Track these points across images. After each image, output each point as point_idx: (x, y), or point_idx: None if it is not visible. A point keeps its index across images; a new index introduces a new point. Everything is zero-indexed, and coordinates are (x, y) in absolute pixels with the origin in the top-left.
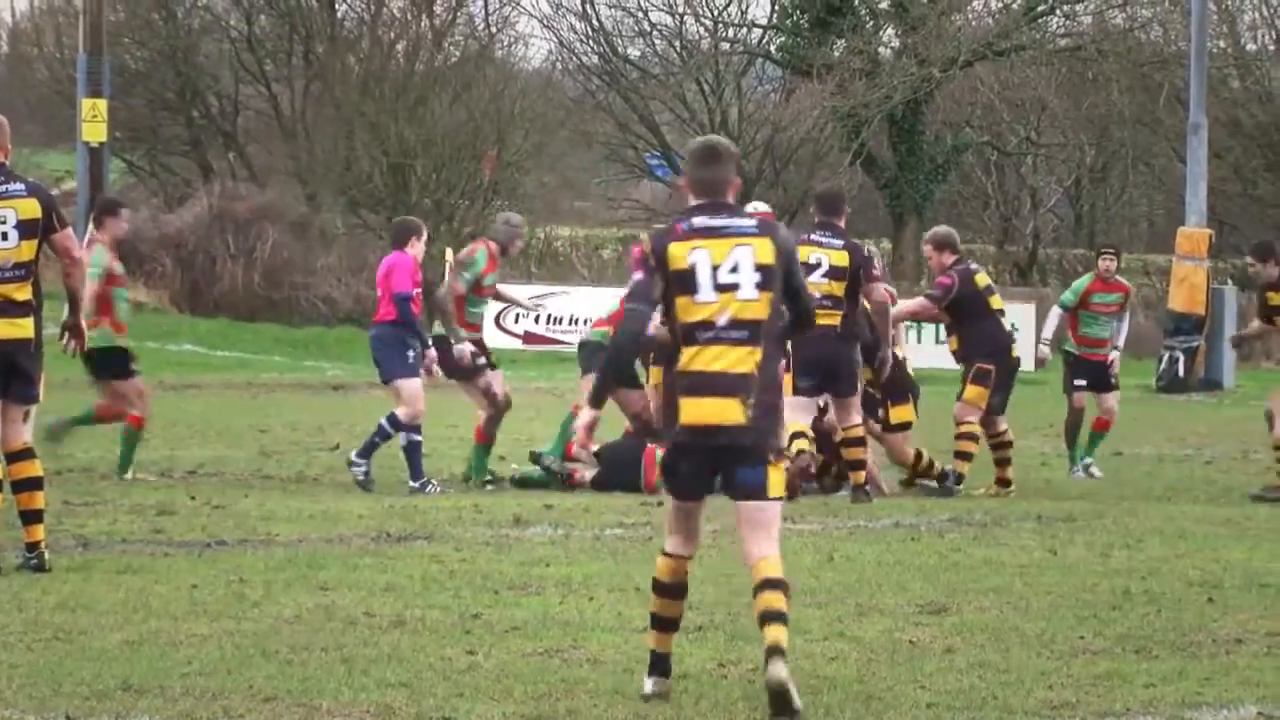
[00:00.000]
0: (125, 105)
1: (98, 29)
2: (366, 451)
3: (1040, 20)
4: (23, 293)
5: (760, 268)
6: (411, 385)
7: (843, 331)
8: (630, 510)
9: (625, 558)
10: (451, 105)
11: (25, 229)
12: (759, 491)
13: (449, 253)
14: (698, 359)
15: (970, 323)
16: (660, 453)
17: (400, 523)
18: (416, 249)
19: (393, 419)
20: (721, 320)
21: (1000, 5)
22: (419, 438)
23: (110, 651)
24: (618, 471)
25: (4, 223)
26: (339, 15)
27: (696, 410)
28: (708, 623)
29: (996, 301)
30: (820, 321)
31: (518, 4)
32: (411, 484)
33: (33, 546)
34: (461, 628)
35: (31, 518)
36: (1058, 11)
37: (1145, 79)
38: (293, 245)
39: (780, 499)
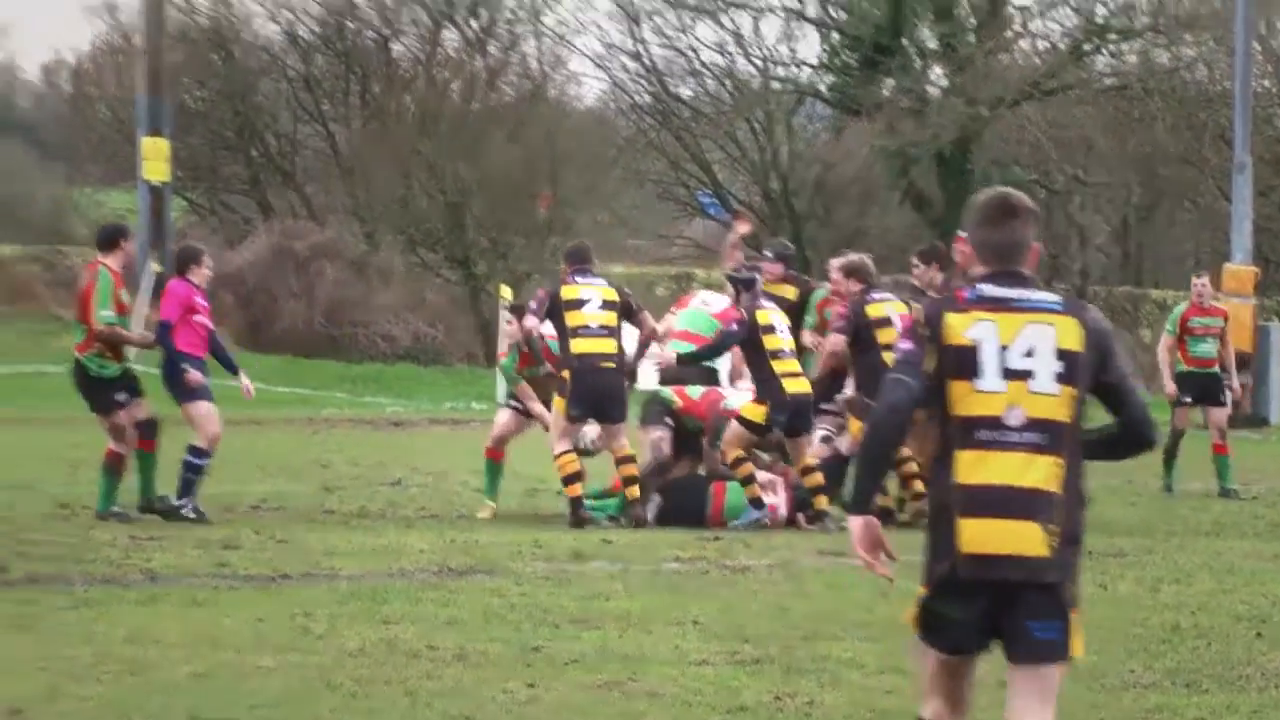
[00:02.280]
0: (185, 144)
1: (158, 70)
2: (185, 490)
3: (1086, 60)
4: None
5: (1063, 354)
6: (199, 408)
7: (616, 359)
8: (687, 545)
9: (683, 592)
10: (506, 144)
11: None
12: (1053, 653)
13: (505, 289)
14: (982, 468)
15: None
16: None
17: (461, 557)
18: (198, 275)
19: (194, 449)
20: (1012, 418)
21: (1047, 45)
22: (202, 462)
23: (178, 683)
24: (682, 505)
25: None
26: (395, 55)
27: (982, 535)
28: (764, 656)
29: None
30: (598, 349)
31: (570, 44)
32: (175, 500)
33: None
34: (522, 661)
35: None
36: (1104, 51)
37: (1190, 118)
38: (352, 283)
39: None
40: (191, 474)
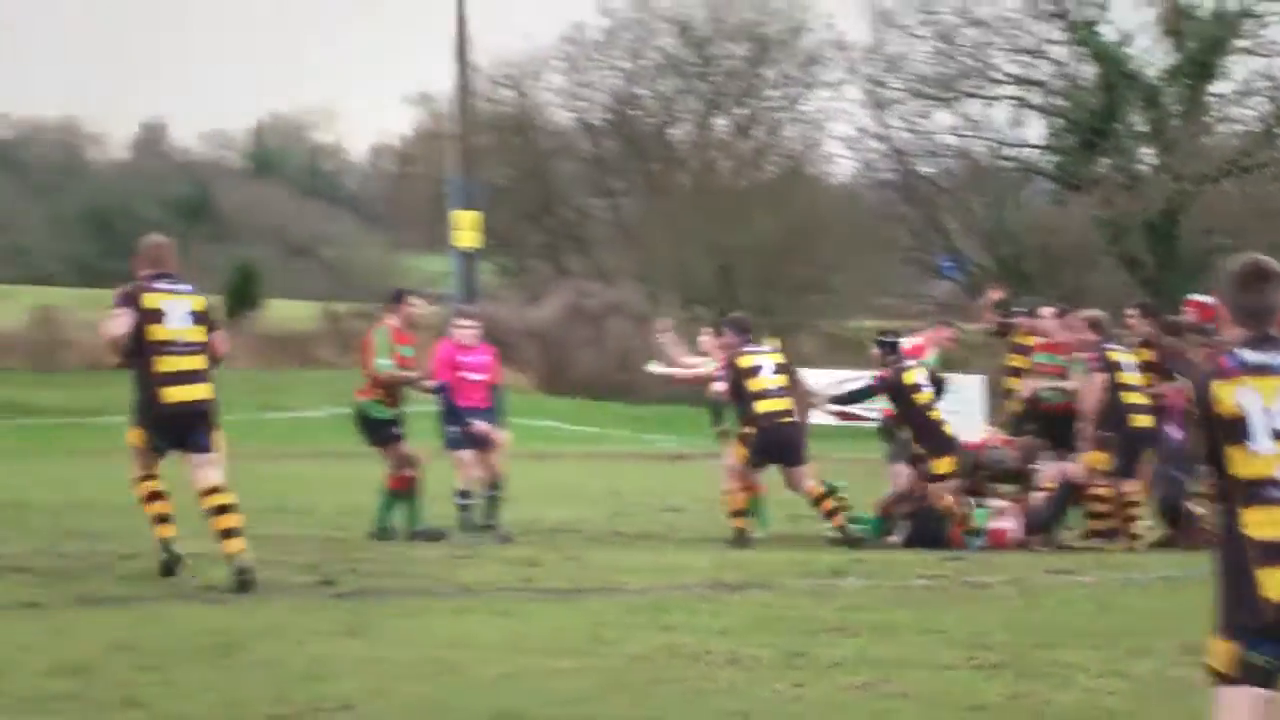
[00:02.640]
0: (493, 216)
1: (468, 151)
2: (465, 525)
3: (1279, 141)
4: (202, 363)
5: None
6: (462, 455)
7: (793, 413)
8: (930, 564)
9: (928, 605)
10: (770, 215)
11: (197, 318)
12: None
13: (770, 342)
14: (1268, 523)
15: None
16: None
17: (734, 573)
18: (461, 333)
19: (460, 493)
20: None
21: (1244, 128)
22: (467, 501)
23: (489, 682)
24: (927, 530)
25: (183, 312)
26: (672, 139)
27: None
28: (1001, 661)
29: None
30: (778, 407)
31: (825, 129)
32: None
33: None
34: (789, 664)
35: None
36: None
37: None
38: (636, 335)
39: None
40: (464, 513)
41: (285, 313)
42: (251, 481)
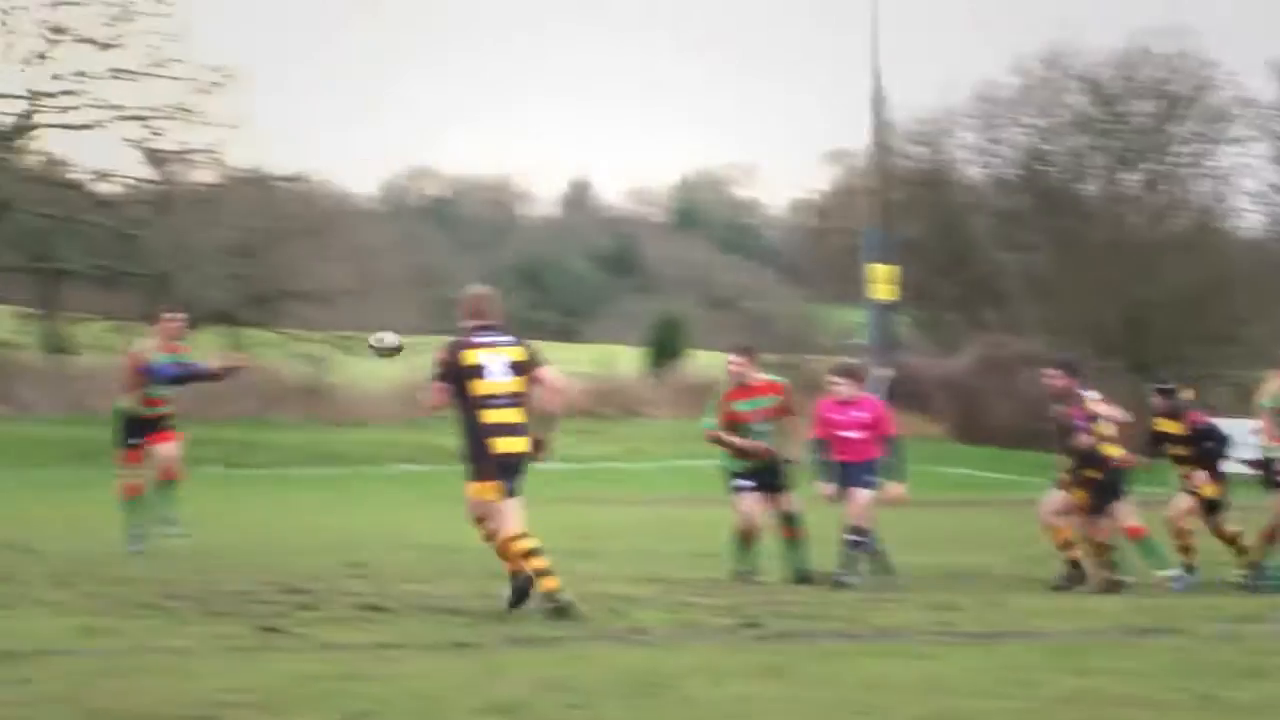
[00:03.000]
0: (907, 269)
1: (885, 207)
2: (851, 563)
3: None
4: (521, 416)
5: None
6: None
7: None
8: None
9: None
10: (1180, 268)
11: (516, 369)
12: None
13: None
14: None
15: None
16: None
17: (1146, 618)
18: (832, 391)
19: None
20: None
21: None
22: (855, 538)
23: None
24: None
25: (503, 365)
26: (1082, 194)
27: None
28: None
29: None
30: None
31: (1232, 183)
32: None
33: (549, 595)
34: (1202, 707)
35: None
36: None
37: None
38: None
39: None
40: (853, 550)
41: (708, 362)
42: (674, 526)
